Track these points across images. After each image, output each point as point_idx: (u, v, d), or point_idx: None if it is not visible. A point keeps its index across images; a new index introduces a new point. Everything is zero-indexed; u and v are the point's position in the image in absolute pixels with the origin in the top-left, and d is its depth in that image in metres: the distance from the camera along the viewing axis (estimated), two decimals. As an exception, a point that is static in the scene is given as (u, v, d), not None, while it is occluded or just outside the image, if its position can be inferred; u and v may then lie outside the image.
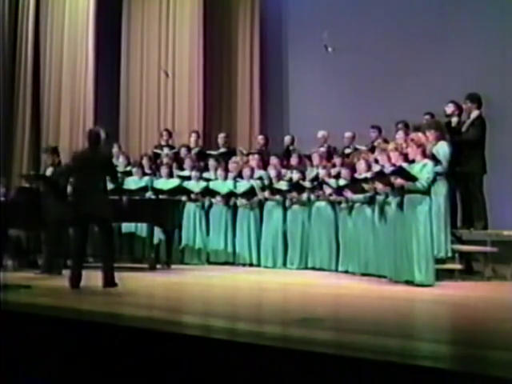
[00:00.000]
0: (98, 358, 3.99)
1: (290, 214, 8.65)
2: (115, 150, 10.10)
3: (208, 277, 7.69)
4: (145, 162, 9.78)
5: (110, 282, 6.21)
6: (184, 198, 9.21)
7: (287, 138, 9.93)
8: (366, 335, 3.84)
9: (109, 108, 12.10)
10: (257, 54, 11.69)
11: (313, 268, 8.35)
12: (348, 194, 7.68)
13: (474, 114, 7.60)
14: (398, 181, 6.46)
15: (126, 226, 9.24)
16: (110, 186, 6.62)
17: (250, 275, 7.98)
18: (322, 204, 8.32)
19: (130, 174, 9.53)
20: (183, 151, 10.06)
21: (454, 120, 7.78)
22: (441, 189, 6.97)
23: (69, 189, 7.75)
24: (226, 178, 9.39)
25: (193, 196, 9.23)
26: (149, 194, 9.14)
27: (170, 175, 9.47)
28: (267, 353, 3.39)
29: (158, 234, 8.88)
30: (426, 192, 6.43)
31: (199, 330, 4.09)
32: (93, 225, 6.78)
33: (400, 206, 6.53)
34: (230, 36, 11.92)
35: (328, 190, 8.08)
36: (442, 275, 6.69)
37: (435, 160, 6.85)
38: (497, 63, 9.11)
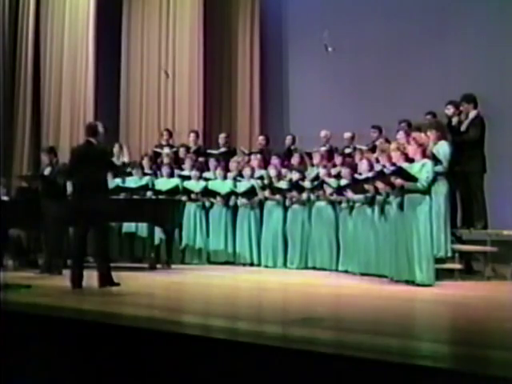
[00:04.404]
0: (98, 357, 3.99)
1: (290, 213, 8.65)
2: (116, 149, 10.10)
3: (208, 276, 7.69)
4: (145, 161, 9.80)
5: (106, 281, 6.20)
6: (184, 198, 9.23)
7: (288, 138, 9.92)
8: (366, 335, 3.85)
9: (109, 108, 12.11)
10: (257, 53, 11.70)
11: (313, 268, 8.36)
12: (348, 193, 7.68)
13: (472, 113, 7.60)
14: (398, 181, 6.46)
15: (127, 226, 9.27)
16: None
17: (250, 275, 7.99)
18: (322, 204, 8.32)
19: (130, 173, 9.53)
20: (182, 151, 10.08)
21: (454, 120, 7.78)
22: (441, 188, 6.96)
23: (69, 188, 7.80)
24: (225, 177, 9.40)
25: (193, 196, 9.24)
26: (149, 194, 9.15)
27: (171, 175, 9.48)
28: (267, 352, 3.39)
29: (159, 234, 8.89)
30: (426, 192, 6.42)
31: (199, 330, 4.09)
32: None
33: (400, 205, 6.53)
34: (230, 36, 11.93)
35: (328, 190, 8.08)
36: (442, 275, 6.69)
37: (435, 160, 6.84)
38: (496, 63, 9.11)
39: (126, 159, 9.37)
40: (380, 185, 6.88)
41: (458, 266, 7.11)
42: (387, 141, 7.99)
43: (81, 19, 12.27)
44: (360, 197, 7.49)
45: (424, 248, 6.30)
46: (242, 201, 9.06)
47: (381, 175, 6.86)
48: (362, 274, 7.36)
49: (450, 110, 7.81)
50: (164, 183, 9.33)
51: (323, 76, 10.93)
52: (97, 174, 6.31)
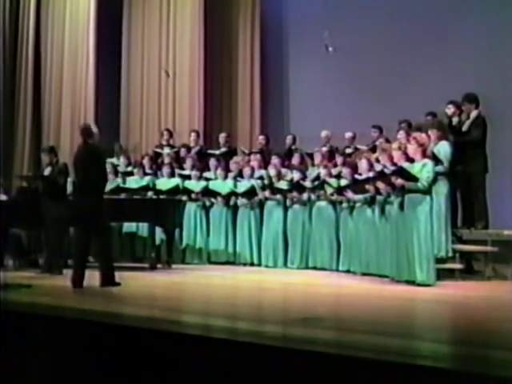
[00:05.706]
0: (98, 357, 3.99)
1: (290, 213, 8.64)
2: (117, 149, 10.12)
3: (209, 276, 7.69)
4: (146, 161, 9.80)
5: (108, 281, 6.20)
6: (185, 198, 9.23)
7: (289, 138, 9.91)
8: (367, 335, 3.84)
9: (109, 108, 12.11)
10: (257, 53, 11.69)
11: (314, 268, 8.35)
12: (349, 194, 7.68)
13: (474, 113, 7.60)
14: (399, 181, 6.46)
15: (127, 226, 9.27)
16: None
17: (250, 275, 7.98)
18: (322, 204, 8.32)
19: (131, 173, 9.54)
20: (183, 151, 10.09)
21: (455, 120, 7.78)
22: (442, 188, 6.96)
23: (69, 188, 7.83)
24: (225, 177, 9.40)
25: (193, 196, 9.24)
26: (150, 194, 9.16)
27: (172, 175, 9.49)
28: (268, 352, 3.39)
29: (160, 234, 8.89)
30: (427, 192, 6.43)
31: (200, 330, 4.09)
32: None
33: (401, 205, 6.53)
34: (230, 35, 11.92)
35: (329, 190, 8.08)
36: (442, 275, 6.69)
37: (436, 160, 6.84)
38: (497, 63, 9.11)
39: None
40: (381, 185, 6.88)
41: (458, 265, 7.10)
42: (387, 141, 7.99)
43: (81, 19, 12.26)
44: (360, 197, 7.49)
45: (425, 248, 6.30)
46: (242, 201, 9.07)
47: (381, 175, 6.86)
48: (363, 274, 7.36)
49: (450, 110, 7.80)
50: (164, 183, 9.33)
51: (323, 76, 10.92)
52: (93, 175, 6.33)
